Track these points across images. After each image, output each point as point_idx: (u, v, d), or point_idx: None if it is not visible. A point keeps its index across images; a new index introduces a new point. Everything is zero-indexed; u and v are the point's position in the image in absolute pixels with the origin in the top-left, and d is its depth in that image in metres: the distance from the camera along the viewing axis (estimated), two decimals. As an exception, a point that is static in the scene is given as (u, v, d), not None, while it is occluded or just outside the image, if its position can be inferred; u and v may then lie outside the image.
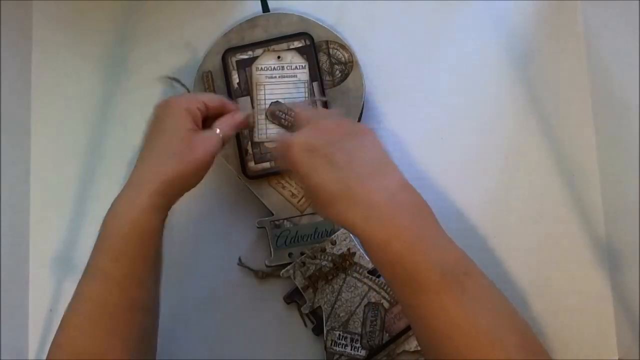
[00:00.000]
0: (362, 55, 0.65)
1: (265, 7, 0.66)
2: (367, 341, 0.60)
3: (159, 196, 0.51)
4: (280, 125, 0.63)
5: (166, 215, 0.53)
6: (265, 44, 0.64)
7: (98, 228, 0.65)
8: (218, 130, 0.55)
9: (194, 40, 0.67)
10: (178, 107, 0.53)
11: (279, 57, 0.64)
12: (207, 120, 0.56)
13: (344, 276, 0.61)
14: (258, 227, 0.63)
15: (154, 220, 0.51)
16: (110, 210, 0.52)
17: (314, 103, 0.63)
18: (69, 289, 0.64)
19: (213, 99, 0.56)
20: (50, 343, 0.64)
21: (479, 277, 0.47)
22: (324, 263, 0.62)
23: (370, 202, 0.46)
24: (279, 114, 0.63)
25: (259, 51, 0.64)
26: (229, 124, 0.56)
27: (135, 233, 0.50)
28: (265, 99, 0.64)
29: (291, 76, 0.64)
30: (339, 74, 0.65)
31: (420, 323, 0.46)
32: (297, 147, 0.48)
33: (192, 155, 0.52)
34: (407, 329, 0.60)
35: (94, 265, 0.51)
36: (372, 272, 0.62)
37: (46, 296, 0.65)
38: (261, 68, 0.64)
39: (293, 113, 0.61)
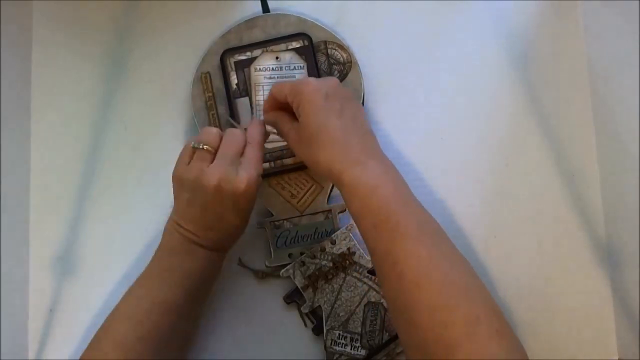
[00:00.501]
0: (362, 55, 0.65)
1: (265, 8, 0.66)
2: (367, 340, 0.60)
3: (235, 242, 0.60)
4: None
5: None
6: (264, 44, 0.64)
7: (98, 228, 0.65)
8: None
9: (194, 40, 0.67)
10: (246, 196, 0.54)
11: (277, 58, 0.64)
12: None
13: (343, 275, 0.61)
14: (258, 228, 0.63)
15: (221, 266, 0.60)
16: (178, 252, 0.56)
17: None
18: (69, 289, 0.65)
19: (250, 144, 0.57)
20: (50, 343, 0.64)
21: (448, 239, 0.51)
22: (323, 262, 0.62)
23: (363, 156, 0.52)
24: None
25: (257, 52, 0.64)
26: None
27: (212, 275, 0.59)
28: (264, 100, 0.64)
29: (290, 77, 0.64)
30: (338, 75, 0.65)
31: (393, 269, 0.48)
32: (316, 88, 0.54)
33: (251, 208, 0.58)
34: (407, 328, 0.60)
35: (164, 298, 0.55)
36: (372, 271, 0.62)
37: (46, 296, 0.65)
38: (260, 69, 0.64)
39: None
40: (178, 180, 0.56)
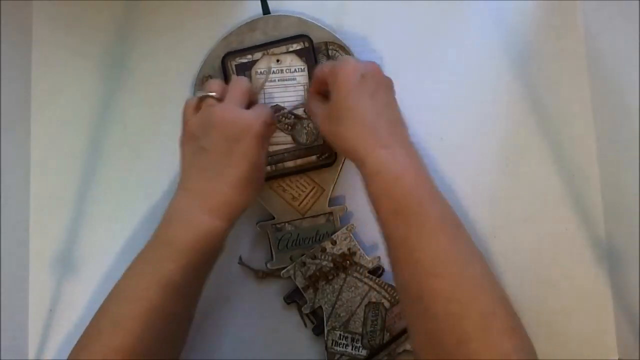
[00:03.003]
0: (362, 56, 0.65)
1: (265, 9, 0.66)
2: (368, 341, 0.60)
3: (232, 221, 0.54)
4: (281, 128, 0.63)
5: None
6: (264, 47, 0.64)
7: (98, 228, 0.65)
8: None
9: (194, 40, 0.67)
10: (258, 135, 0.54)
11: (278, 61, 0.64)
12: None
13: (344, 276, 0.61)
14: (259, 230, 0.63)
15: (223, 241, 0.55)
16: (178, 220, 0.53)
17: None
18: (69, 289, 0.65)
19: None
20: (50, 343, 0.64)
21: (468, 235, 0.50)
22: (324, 263, 0.62)
23: (391, 140, 0.51)
24: (278, 117, 0.63)
25: (258, 55, 0.64)
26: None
27: (208, 251, 0.53)
28: (264, 103, 0.64)
29: (290, 79, 0.64)
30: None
31: (410, 256, 0.48)
32: (354, 66, 0.53)
33: (261, 178, 0.56)
34: (408, 329, 0.60)
35: (161, 274, 0.51)
36: (373, 271, 0.62)
37: (46, 296, 0.65)
38: (261, 72, 0.64)
39: (292, 116, 0.63)
40: (186, 135, 0.56)
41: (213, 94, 0.55)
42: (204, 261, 0.54)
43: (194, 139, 0.55)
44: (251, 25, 0.65)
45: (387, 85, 0.55)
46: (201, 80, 0.64)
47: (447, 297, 0.45)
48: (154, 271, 0.52)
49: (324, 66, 0.56)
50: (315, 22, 0.65)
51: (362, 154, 0.51)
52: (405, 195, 0.49)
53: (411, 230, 0.48)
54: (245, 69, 0.64)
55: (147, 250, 0.54)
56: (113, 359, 0.49)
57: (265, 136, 0.55)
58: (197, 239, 0.52)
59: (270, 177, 0.63)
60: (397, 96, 0.66)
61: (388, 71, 0.66)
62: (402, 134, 0.53)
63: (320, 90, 0.58)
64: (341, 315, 0.61)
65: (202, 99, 0.56)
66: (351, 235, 0.62)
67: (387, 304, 0.61)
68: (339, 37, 0.65)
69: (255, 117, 0.54)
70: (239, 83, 0.56)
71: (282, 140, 0.63)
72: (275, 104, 0.63)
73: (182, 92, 0.67)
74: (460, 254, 0.48)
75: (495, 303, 0.46)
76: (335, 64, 0.55)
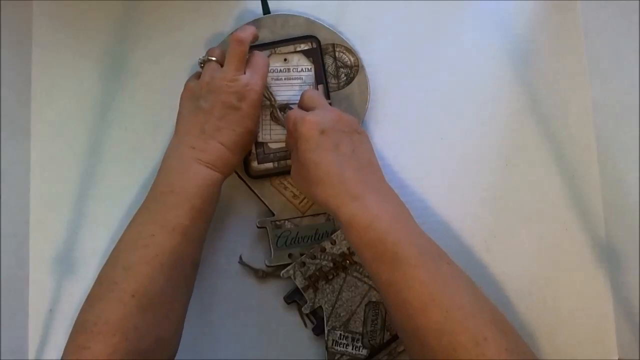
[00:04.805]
0: (362, 55, 0.65)
1: (265, 9, 0.66)
2: (369, 340, 0.60)
3: (225, 174, 0.58)
4: (283, 126, 0.63)
5: None
6: (272, 45, 0.64)
7: (98, 228, 0.65)
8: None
9: (194, 40, 0.67)
10: (254, 103, 0.58)
11: (285, 60, 0.64)
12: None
13: (344, 275, 0.61)
14: (259, 227, 0.63)
15: (219, 190, 0.58)
16: (177, 168, 0.56)
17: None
18: (69, 289, 0.65)
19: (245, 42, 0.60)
20: (50, 343, 0.64)
21: (451, 262, 0.52)
22: (324, 263, 0.62)
23: (359, 189, 0.52)
24: (281, 116, 0.63)
25: (265, 53, 0.64)
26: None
27: (208, 197, 0.56)
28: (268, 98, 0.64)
29: (297, 78, 0.64)
30: (345, 78, 0.65)
31: (398, 297, 0.49)
32: (312, 123, 0.54)
33: (253, 140, 0.61)
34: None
35: (167, 219, 0.54)
36: (373, 271, 0.62)
37: (46, 296, 0.65)
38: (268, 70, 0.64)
39: None
40: (186, 93, 0.59)
41: (213, 58, 0.59)
42: (206, 205, 0.56)
43: (194, 98, 0.59)
44: (258, 23, 0.65)
45: (349, 131, 0.56)
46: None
47: (438, 331, 0.47)
48: (161, 218, 0.54)
49: (289, 116, 0.57)
50: (323, 23, 0.65)
51: (334, 209, 0.53)
52: (380, 241, 0.50)
53: (393, 273, 0.49)
54: None
55: (149, 201, 0.56)
56: (129, 303, 0.50)
57: (256, 97, 0.58)
58: (197, 185, 0.55)
59: (271, 174, 0.63)
60: (397, 97, 0.67)
61: (388, 71, 0.67)
62: (371, 178, 0.55)
63: (292, 144, 0.59)
64: (341, 314, 0.61)
65: (203, 63, 0.60)
66: (351, 235, 0.62)
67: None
68: (346, 40, 0.65)
69: (252, 85, 0.58)
70: (236, 49, 0.58)
71: (284, 138, 0.63)
72: (285, 101, 0.63)
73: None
74: (445, 285, 0.49)
75: (487, 327, 0.47)
76: (296, 120, 0.55)
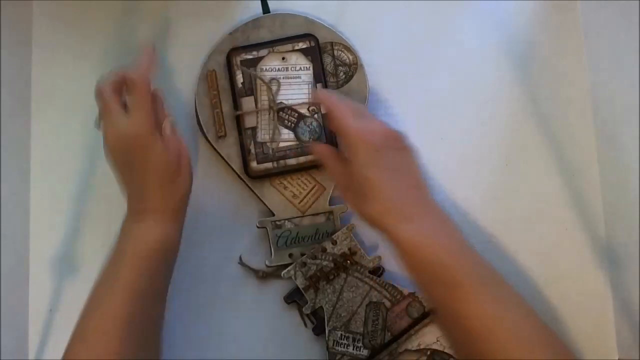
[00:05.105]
0: (362, 55, 0.65)
1: (265, 8, 0.66)
2: (369, 341, 0.60)
3: (179, 218, 0.57)
4: (284, 126, 0.63)
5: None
6: (270, 44, 0.64)
7: (98, 228, 0.65)
8: (168, 125, 0.57)
9: (194, 40, 0.67)
10: (142, 144, 0.54)
11: (283, 59, 0.64)
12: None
13: (345, 276, 0.61)
14: (259, 227, 0.63)
15: (178, 237, 0.57)
16: (127, 235, 0.55)
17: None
18: (69, 289, 0.65)
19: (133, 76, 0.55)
20: (50, 343, 0.64)
21: (510, 288, 0.51)
22: (324, 263, 0.62)
23: (414, 210, 0.52)
24: (282, 115, 0.63)
25: (263, 52, 0.64)
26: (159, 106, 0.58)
27: (162, 255, 0.55)
28: (269, 100, 0.64)
29: (295, 77, 0.64)
30: (343, 76, 0.65)
31: (456, 323, 0.49)
32: (370, 139, 0.53)
33: (183, 169, 0.56)
34: (409, 327, 0.60)
35: (121, 282, 0.53)
36: (373, 271, 0.62)
37: (46, 296, 0.65)
38: (266, 69, 0.64)
39: (296, 114, 0.63)
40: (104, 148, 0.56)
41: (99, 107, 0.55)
42: (160, 265, 0.55)
43: (106, 155, 0.56)
44: (257, 22, 0.65)
45: (400, 147, 0.55)
46: (205, 75, 0.64)
47: (496, 357, 0.47)
48: (115, 281, 0.53)
49: (333, 113, 0.55)
50: (321, 22, 0.65)
51: (389, 230, 0.52)
52: (438, 265, 0.50)
53: (452, 298, 0.49)
54: (250, 65, 0.64)
55: (107, 265, 0.55)
56: None
57: (153, 135, 0.54)
58: (145, 245, 0.54)
59: (271, 174, 0.63)
60: (396, 97, 0.67)
61: (388, 71, 0.67)
62: (424, 199, 0.54)
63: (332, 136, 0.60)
64: (342, 315, 0.61)
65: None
66: (351, 235, 0.62)
67: (388, 304, 0.61)
68: (344, 38, 0.65)
69: (133, 126, 0.54)
70: (101, 90, 0.55)
71: (284, 138, 0.63)
72: (280, 101, 0.63)
73: (182, 92, 0.67)
74: (506, 314, 0.49)
75: (547, 355, 0.47)
76: (349, 133, 0.54)
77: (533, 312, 0.50)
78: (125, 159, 0.55)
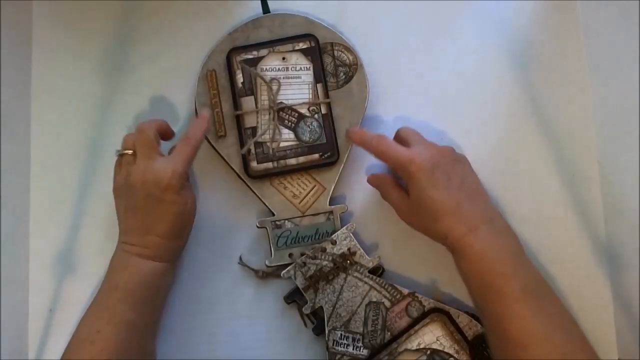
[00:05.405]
0: (362, 55, 0.65)
1: (265, 8, 0.66)
2: (369, 340, 0.60)
3: (173, 260, 0.60)
4: (284, 126, 0.63)
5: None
6: (270, 44, 0.64)
7: (98, 228, 0.65)
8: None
9: (194, 41, 0.67)
10: (171, 188, 0.56)
11: (283, 59, 0.64)
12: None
13: (344, 276, 0.61)
14: (259, 227, 0.63)
15: (172, 277, 0.61)
16: (120, 268, 0.57)
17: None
18: (69, 289, 0.65)
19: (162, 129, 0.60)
20: (50, 343, 0.64)
21: (555, 299, 0.55)
22: (324, 263, 0.62)
23: (475, 220, 0.55)
24: (282, 115, 0.63)
25: (263, 52, 0.64)
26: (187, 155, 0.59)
27: (154, 288, 0.58)
28: (269, 99, 0.64)
29: (295, 77, 0.64)
30: (343, 76, 0.65)
31: (498, 328, 0.52)
32: (423, 162, 0.56)
33: (189, 225, 0.60)
34: (409, 327, 0.60)
35: (112, 314, 0.55)
36: (373, 271, 0.62)
37: (46, 296, 0.65)
38: (266, 69, 0.64)
39: (296, 114, 0.63)
40: (115, 192, 0.60)
41: (129, 152, 0.58)
42: (152, 296, 0.58)
43: (120, 197, 0.59)
44: (257, 22, 0.65)
45: (455, 161, 0.58)
46: (205, 75, 0.64)
47: None
48: (107, 314, 0.55)
49: (387, 154, 0.57)
50: (322, 22, 0.65)
51: (450, 241, 0.55)
52: (488, 271, 0.53)
53: (496, 305, 0.52)
54: (250, 65, 0.64)
55: (98, 297, 0.57)
56: None
57: (178, 185, 0.56)
58: (140, 279, 0.56)
59: (271, 174, 0.63)
60: (396, 96, 0.67)
61: (388, 71, 0.67)
62: (482, 207, 0.57)
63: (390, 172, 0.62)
64: (342, 315, 0.61)
65: (121, 156, 0.59)
66: (351, 235, 0.62)
67: (387, 304, 0.61)
68: (345, 38, 0.65)
69: (166, 170, 0.56)
70: (142, 136, 0.58)
71: (285, 138, 0.63)
72: (280, 101, 0.63)
73: (182, 92, 0.67)
74: (546, 323, 0.51)
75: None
76: (400, 161, 0.56)
77: (575, 324, 0.53)
78: (146, 198, 0.56)
